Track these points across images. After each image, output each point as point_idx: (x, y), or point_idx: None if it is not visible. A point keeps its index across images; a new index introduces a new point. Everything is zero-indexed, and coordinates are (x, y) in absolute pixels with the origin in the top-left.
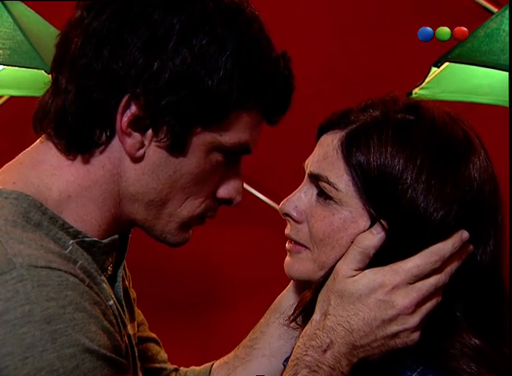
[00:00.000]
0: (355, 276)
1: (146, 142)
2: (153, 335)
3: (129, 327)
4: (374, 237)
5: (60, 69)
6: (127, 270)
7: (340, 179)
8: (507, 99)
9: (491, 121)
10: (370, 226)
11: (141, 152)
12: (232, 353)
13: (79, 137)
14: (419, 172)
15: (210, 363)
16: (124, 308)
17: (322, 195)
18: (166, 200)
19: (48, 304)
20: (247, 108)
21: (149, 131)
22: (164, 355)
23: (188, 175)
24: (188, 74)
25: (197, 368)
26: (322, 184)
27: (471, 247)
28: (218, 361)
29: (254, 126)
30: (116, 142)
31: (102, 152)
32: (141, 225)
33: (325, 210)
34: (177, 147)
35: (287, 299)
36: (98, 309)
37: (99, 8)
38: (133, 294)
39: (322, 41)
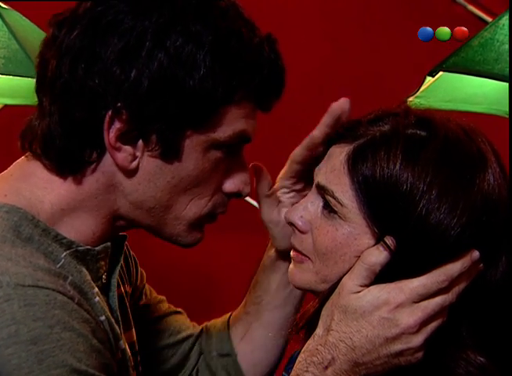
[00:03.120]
0: (359, 292)
1: (139, 154)
2: (171, 309)
3: (126, 336)
4: (380, 254)
5: (42, 91)
6: (131, 250)
7: (345, 195)
8: (502, 108)
9: (487, 129)
10: (375, 244)
11: (134, 164)
12: (242, 309)
13: (69, 159)
14: (428, 190)
15: (227, 315)
16: (119, 318)
17: (328, 207)
18: (168, 206)
19: (35, 324)
20: (237, 101)
21: (140, 142)
22: (185, 321)
23: (187, 178)
24: (167, 77)
25: (217, 323)
26: (328, 197)
27: (481, 265)
28: (233, 316)
29: (248, 115)
30: (108, 157)
31: (94, 169)
32: (148, 230)
33: (329, 224)
34: (170, 153)
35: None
36: (87, 327)
37: (69, 25)
38: (143, 274)
39: (321, 43)
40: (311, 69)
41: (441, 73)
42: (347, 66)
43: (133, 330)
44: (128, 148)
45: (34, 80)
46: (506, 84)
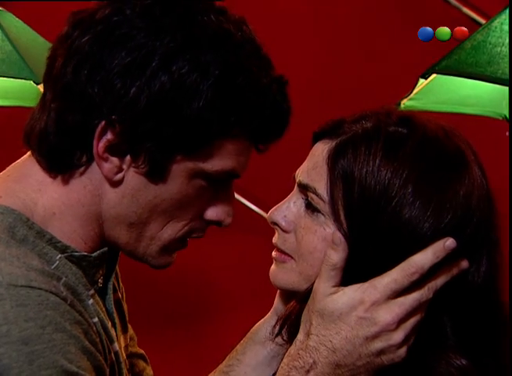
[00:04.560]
0: (333, 293)
1: (125, 167)
2: (141, 351)
3: (122, 338)
4: (336, 252)
5: (48, 84)
6: (120, 283)
7: (328, 191)
8: (495, 109)
9: (482, 131)
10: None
11: (119, 176)
12: None
13: (59, 157)
14: (404, 185)
15: None
16: (116, 320)
17: (311, 206)
18: (147, 223)
19: (26, 324)
20: (232, 136)
21: (128, 157)
22: (150, 372)
23: (169, 201)
24: (165, 100)
25: None
26: (310, 195)
27: (465, 263)
28: None
29: (241, 152)
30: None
31: (82, 173)
32: (123, 248)
33: (315, 223)
34: (156, 174)
35: (265, 328)
36: (79, 329)
37: (84, 27)
38: (125, 307)
39: (319, 44)
40: (310, 69)
41: (434, 75)
42: (344, 69)
43: (128, 334)
44: (114, 160)
45: (27, 81)
46: (499, 87)
